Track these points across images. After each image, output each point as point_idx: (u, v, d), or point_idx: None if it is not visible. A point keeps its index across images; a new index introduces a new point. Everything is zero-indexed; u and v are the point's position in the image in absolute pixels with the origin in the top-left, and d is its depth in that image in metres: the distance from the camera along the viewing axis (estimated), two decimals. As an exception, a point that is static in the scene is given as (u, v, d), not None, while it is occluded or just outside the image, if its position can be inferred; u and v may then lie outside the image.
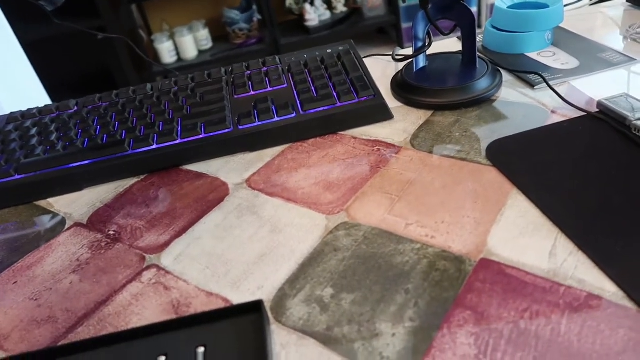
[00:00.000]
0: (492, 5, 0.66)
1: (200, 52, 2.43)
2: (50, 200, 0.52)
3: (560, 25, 0.67)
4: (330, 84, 0.57)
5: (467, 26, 0.57)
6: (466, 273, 0.35)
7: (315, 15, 2.45)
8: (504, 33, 0.64)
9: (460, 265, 0.36)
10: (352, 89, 0.56)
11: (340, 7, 2.54)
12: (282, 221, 0.43)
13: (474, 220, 0.40)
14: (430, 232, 0.39)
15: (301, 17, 2.47)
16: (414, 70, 0.60)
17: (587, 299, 0.32)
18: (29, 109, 0.61)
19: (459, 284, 0.35)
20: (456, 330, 0.32)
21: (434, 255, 0.37)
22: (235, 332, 0.32)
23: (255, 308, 0.33)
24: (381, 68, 0.67)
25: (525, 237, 0.37)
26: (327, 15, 2.50)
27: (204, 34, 2.42)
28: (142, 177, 0.53)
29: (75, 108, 0.61)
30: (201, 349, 0.32)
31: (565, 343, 0.30)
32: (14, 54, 1.19)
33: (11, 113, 0.60)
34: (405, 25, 2.41)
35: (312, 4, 2.47)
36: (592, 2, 0.77)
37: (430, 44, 0.60)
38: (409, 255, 0.37)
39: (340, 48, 0.64)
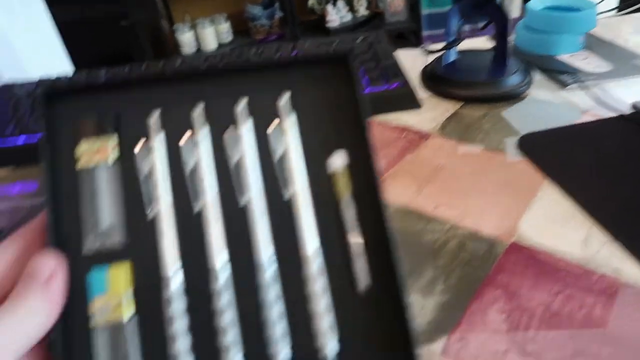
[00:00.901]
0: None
1: (220, 45, 2.44)
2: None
3: (592, 32, 0.67)
4: (362, 69, 0.57)
5: (499, 23, 0.57)
6: (497, 255, 0.35)
7: (336, 17, 2.46)
8: (537, 33, 0.64)
9: (490, 247, 0.36)
10: (382, 76, 0.56)
11: (362, 11, 2.54)
12: (309, 196, 0.43)
13: (504, 207, 0.39)
14: (460, 214, 0.39)
15: (322, 17, 2.48)
16: (444, 64, 0.60)
17: (622, 287, 0.32)
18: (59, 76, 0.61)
19: (489, 264, 0.34)
20: (487, 307, 0.31)
21: (463, 236, 0.37)
22: (324, 79, 0.27)
23: (343, 59, 0.27)
24: (410, 60, 0.67)
25: (557, 226, 0.37)
26: (348, 17, 2.51)
27: (225, 27, 2.43)
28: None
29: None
30: (287, 93, 0.27)
31: (599, 327, 0.29)
32: (47, 32, 1.20)
33: (40, 79, 0.61)
34: (426, 32, 2.41)
35: (334, 5, 2.48)
36: (623, 11, 0.77)
37: (462, 39, 0.60)
38: (438, 235, 0.37)
39: (372, 36, 0.64)
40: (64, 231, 0.24)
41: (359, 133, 0.25)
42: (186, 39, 2.34)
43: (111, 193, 0.25)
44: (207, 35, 2.36)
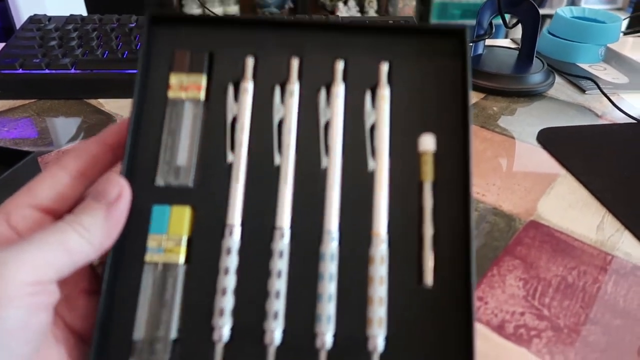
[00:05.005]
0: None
1: (229, 26, 2.44)
2: (101, 100, 0.52)
3: (611, 46, 0.69)
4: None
5: (530, 23, 0.58)
6: (516, 229, 0.36)
7: (346, 15, 2.47)
8: (561, 40, 0.65)
9: (510, 222, 0.37)
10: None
11: (372, 12, 2.56)
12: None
13: (524, 189, 0.41)
14: (482, 191, 0.40)
15: (332, 14, 2.49)
16: (471, 55, 0.61)
17: (633, 269, 0.33)
18: (89, 15, 0.61)
19: (508, 237, 0.36)
20: (505, 273, 0.33)
21: (484, 210, 0.38)
22: (431, 53, 0.25)
23: (457, 34, 0.25)
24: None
25: (574, 210, 0.38)
26: (357, 17, 2.52)
27: (234, 9, 2.43)
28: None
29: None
30: (385, 65, 0.25)
31: (610, 301, 0.31)
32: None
33: (71, 15, 0.60)
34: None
35: (345, 3, 2.49)
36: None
37: (492, 33, 0.61)
38: (460, 206, 0.38)
39: (401, 22, 0.65)
40: (139, 157, 0.23)
41: (459, 118, 0.24)
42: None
43: (193, 131, 0.24)
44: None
